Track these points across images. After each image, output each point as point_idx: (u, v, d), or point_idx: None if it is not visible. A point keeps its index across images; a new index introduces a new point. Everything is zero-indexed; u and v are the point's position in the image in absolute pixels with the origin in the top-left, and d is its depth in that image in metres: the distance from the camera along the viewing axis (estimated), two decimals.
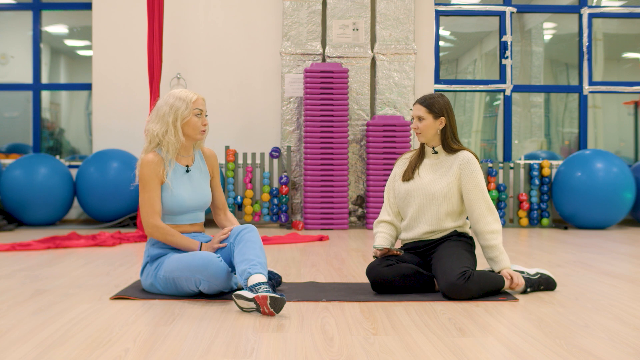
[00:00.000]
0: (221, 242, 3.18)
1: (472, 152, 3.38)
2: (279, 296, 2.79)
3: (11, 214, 6.82)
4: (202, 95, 3.29)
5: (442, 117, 3.36)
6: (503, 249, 3.33)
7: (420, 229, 3.38)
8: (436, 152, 3.41)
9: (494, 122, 8.92)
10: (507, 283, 3.27)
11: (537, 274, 3.41)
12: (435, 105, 3.36)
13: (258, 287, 2.84)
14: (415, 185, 3.38)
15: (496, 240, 3.30)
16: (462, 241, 3.36)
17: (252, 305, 2.83)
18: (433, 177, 3.37)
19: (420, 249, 3.41)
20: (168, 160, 3.24)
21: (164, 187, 3.22)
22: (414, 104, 3.43)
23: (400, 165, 3.51)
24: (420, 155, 3.46)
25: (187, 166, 3.31)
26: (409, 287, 3.26)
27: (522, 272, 3.38)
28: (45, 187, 6.69)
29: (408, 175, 3.42)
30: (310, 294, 3.28)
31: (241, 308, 2.88)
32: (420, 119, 3.37)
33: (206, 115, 3.29)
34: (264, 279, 2.90)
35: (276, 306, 2.78)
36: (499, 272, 3.30)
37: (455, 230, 3.39)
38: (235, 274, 3.29)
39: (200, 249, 3.18)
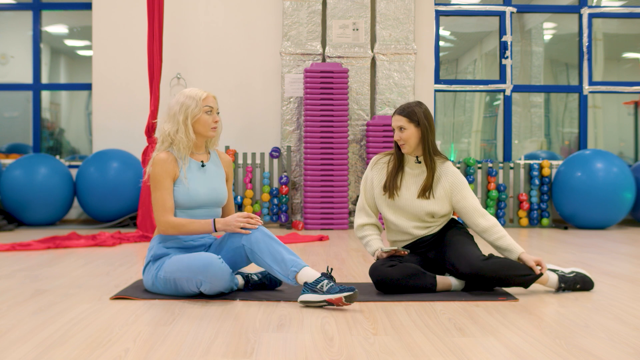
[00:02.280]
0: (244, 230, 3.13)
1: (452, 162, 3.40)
2: (351, 292, 2.88)
3: (11, 214, 6.82)
4: (212, 93, 3.28)
5: (424, 125, 3.32)
6: (509, 236, 3.35)
7: (413, 233, 3.40)
8: (420, 162, 3.37)
9: (494, 122, 8.92)
10: (535, 270, 3.23)
11: (572, 272, 3.38)
12: (415, 113, 3.32)
13: (320, 285, 2.93)
14: (402, 203, 3.36)
15: (503, 231, 3.33)
16: (463, 230, 3.42)
17: (323, 303, 2.93)
18: (418, 190, 3.35)
19: (422, 245, 3.42)
20: (181, 158, 3.24)
21: (178, 183, 3.21)
22: (392, 115, 3.38)
23: (377, 170, 3.43)
24: (400, 164, 3.39)
25: (202, 161, 3.31)
26: (413, 286, 3.26)
27: (556, 270, 3.36)
28: (45, 187, 6.69)
29: (390, 191, 3.36)
30: None
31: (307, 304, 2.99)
32: (401, 129, 3.32)
33: (218, 113, 3.28)
34: (315, 272, 2.99)
35: (351, 300, 2.89)
36: (520, 257, 3.28)
37: (453, 219, 3.47)
38: (237, 275, 3.30)
39: (214, 227, 3.15)
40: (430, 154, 3.33)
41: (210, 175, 3.30)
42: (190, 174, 3.24)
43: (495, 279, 3.18)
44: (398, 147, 3.38)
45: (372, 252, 3.44)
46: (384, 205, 3.41)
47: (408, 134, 3.31)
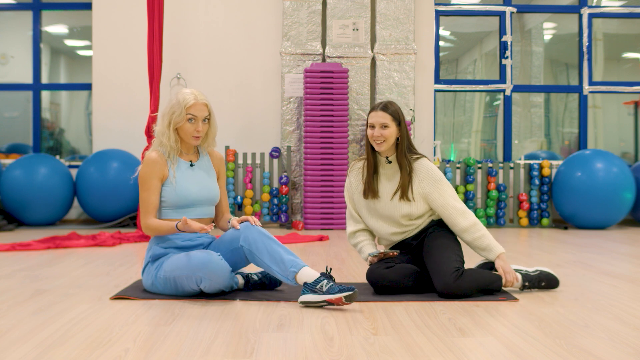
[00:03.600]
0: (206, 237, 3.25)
1: (426, 157, 3.33)
2: (351, 292, 2.88)
3: (11, 214, 6.82)
4: (203, 100, 3.21)
5: (402, 125, 3.30)
6: (491, 235, 3.31)
7: (391, 239, 3.38)
8: (390, 162, 3.32)
9: (494, 122, 8.92)
10: (503, 280, 3.26)
11: (537, 270, 3.39)
12: (398, 112, 3.29)
13: (319, 285, 2.93)
14: (379, 205, 3.33)
15: (483, 230, 3.28)
16: (442, 232, 3.33)
17: (323, 303, 2.93)
18: (393, 191, 3.30)
19: (407, 248, 3.41)
20: (170, 158, 3.24)
21: (166, 183, 3.22)
22: (373, 111, 3.30)
23: (354, 176, 3.42)
24: (374, 167, 3.35)
25: (191, 161, 3.31)
26: (411, 286, 3.25)
27: (520, 270, 3.37)
28: (45, 187, 6.69)
29: (367, 193, 3.34)
30: None
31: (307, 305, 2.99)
32: (384, 126, 3.26)
33: (205, 120, 3.22)
34: (314, 272, 2.99)
35: (351, 300, 2.89)
36: (495, 261, 3.27)
37: (432, 220, 3.37)
38: (237, 274, 3.30)
39: (177, 227, 3.10)
40: (405, 155, 3.29)
41: (200, 174, 3.30)
42: (180, 173, 3.24)
43: (467, 296, 3.15)
44: (372, 148, 3.32)
45: (364, 258, 3.45)
46: (363, 210, 3.40)
47: (390, 132, 3.26)
